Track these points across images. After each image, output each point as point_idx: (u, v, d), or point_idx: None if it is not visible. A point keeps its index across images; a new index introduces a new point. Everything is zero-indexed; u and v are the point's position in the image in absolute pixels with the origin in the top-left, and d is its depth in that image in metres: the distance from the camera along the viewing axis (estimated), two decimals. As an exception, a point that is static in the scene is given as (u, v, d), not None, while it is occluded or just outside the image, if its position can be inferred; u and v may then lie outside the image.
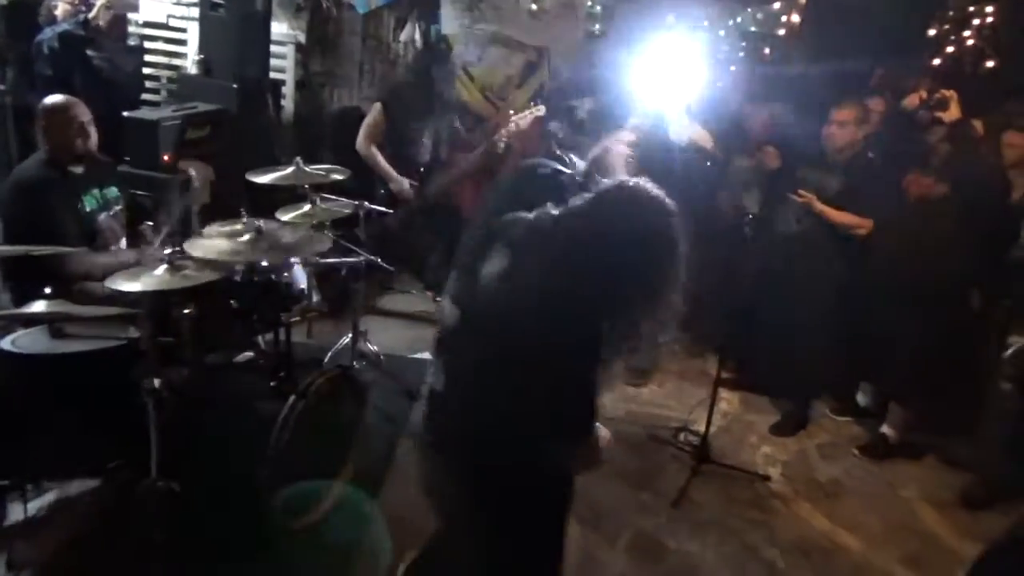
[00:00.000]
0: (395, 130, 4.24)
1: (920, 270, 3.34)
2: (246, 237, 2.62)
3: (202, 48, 4.64)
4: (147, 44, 5.09)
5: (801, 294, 3.63)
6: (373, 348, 3.72)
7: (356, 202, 3.36)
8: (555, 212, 1.59)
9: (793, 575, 2.84)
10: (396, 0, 5.50)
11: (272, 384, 2.72)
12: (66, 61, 4.44)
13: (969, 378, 3.40)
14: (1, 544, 2.40)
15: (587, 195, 1.59)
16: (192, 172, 3.81)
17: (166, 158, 3.89)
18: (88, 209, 3.01)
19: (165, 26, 5.06)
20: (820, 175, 3.57)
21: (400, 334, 4.14)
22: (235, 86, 4.40)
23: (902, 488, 3.42)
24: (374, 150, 4.25)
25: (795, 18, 5.66)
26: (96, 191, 3.07)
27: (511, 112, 5.58)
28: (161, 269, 2.32)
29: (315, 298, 2.98)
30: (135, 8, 5.06)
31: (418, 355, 3.78)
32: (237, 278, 2.69)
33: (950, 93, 3.41)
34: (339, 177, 3.24)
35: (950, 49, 5.62)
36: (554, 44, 5.55)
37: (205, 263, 2.46)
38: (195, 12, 4.71)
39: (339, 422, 2.78)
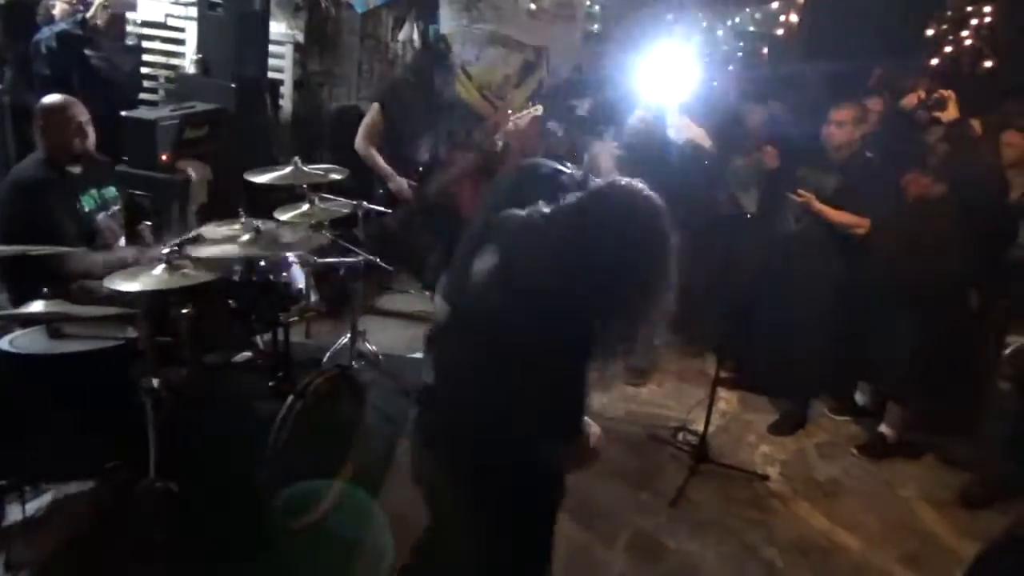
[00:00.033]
0: (393, 130, 4.24)
1: (918, 270, 3.34)
2: (244, 237, 2.62)
3: (200, 48, 4.63)
4: (145, 44, 5.09)
5: (799, 293, 3.63)
6: (372, 348, 3.72)
7: (355, 202, 3.36)
8: (546, 210, 1.59)
9: (792, 574, 2.84)
10: (394, 0, 5.50)
11: (270, 384, 2.72)
12: (64, 61, 4.43)
13: (967, 378, 3.41)
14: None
15: (579, 194, 1.60)
16: (190, 172, 3.81)
17: (164, 158, 3.89)
18: (86, 209, 3.00)
19: (163, 25, 5.06)
20: (819, 175, 3.57)
21: (399, 334, 4.14)
22: (233, 86, 4.40)
23: (900, 487, 3.42)
24: (372, 150, 4.24)
25: (793, 18, 5.66)
26: (94, 191, 3.06)
27: (509, 111, 5.60)
28: (159, 269, 2.32)
29: (313, 298, 2.98)
30: (133, 7, 5.05)
31: (417, 355, 3.78)
32: (235, 278, 2.69)
33: (948, 93, 3.41)
34: (337, 177, 3.24)
35: (948, 49, 5.63)
36: (552, 44, 5.55)
37: (203, 262, 2.46)
38: (193, 12, 4.71)
39: (338, 422, 2.78)
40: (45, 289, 2.35)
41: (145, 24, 5.08)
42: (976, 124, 3.42)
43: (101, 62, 4.67)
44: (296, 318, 3.00)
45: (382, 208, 4.14)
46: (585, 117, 4.65)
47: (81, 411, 2.31)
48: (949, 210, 3.30)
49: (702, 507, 3.13)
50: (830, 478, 3.45)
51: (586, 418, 1.71)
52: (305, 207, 3.04)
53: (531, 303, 1.54)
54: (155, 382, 2.27)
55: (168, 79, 5.02)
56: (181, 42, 5.03)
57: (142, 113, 4.13)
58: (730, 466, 3.37)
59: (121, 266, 2.43)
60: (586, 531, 2.89)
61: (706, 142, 3.77)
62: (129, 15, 5.08)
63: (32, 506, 2.49)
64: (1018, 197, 3.27)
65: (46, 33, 4.48)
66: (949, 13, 5.71)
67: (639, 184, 1.59)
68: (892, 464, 3.56)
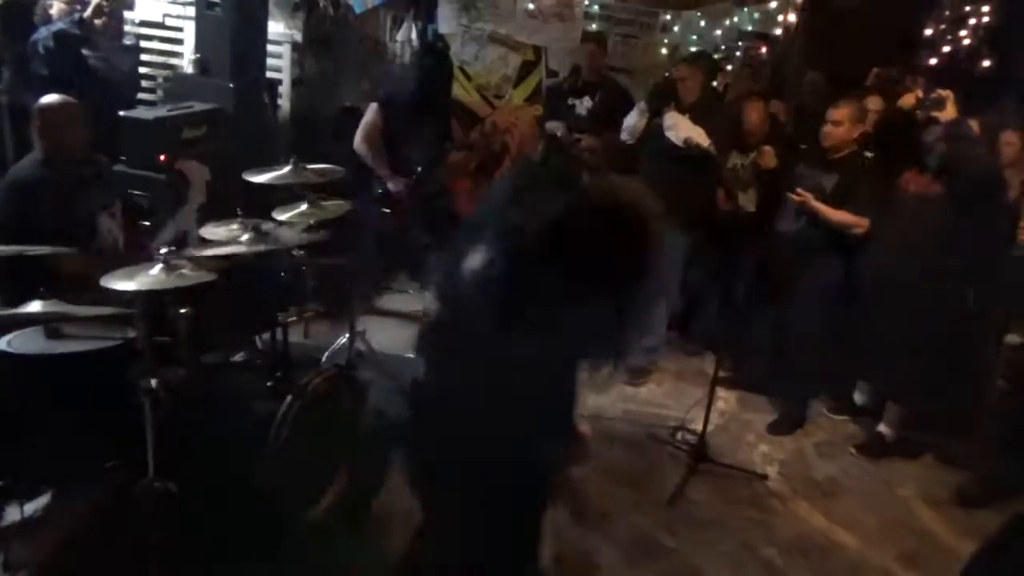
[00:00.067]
0: (392, 130, 4.24)
1: (917, 269, 3.34)
2: (243, 236, 2.61)
3: (198, 47, 4.62)
4: (143, 43, 5.07)
5: (798, 292, 3.63)
6: (370, 347, 3.72)
7: (353, 202, 3.35)
8: (538, 208, 1.60)
9: (791, 573, 2.85)
10: (393, 0, 5.50)
11: (269, 384, 2.71)
12: (61, 61, 4.42)
13: (966, 377, 3.41)
14: (-3, 545, 2.40)
15: (570, 192, 1.60)
16: (188, 172, 3.80)
17: (162, 158, 3.88)
18: (84, 209, 3.00)
19: (161, 25, 5.04)
20: (817, 174, 3.58)
21: (397, 333, 4.13)
22: (231, 85, 4.39)
23: (899, 486, 3.42)
24: (371, 150, 4.24)
25: (791, 17, 5.66)
26: (92, 191, 3.05)
27: (508, 111, 5.61)
28: (157, 268, 2.32)
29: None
30: (130, 7, 5.05)
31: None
32: (234, 278, 2.69)
33: (946, 92, 3.41)
34: (336, 177, 3.23)
35: (947, 48, 5.63)
36: (551, 43, 5.55)
37: (201, 262, 2.45)
38: (191, 11, 4.70)
39: (336, 422, 2.77)
40: (42, 289, 2.35)
41: (143, 24, 5.06)
42: (974, 123, 3.42)
43: (99, 62, 4.66)
44: (295, 318, 3.00)
45: (380, 208, 4.15)
46: (584, 116, 4.65)
47: (79, 411, 2.30)
48: (947, 209, 3.31)
49: (701, 506, 3.13)
50: (829, 477, 3.45)
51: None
52: (303, 207, 3.04)
53: (520, 301, 1.54)
54: (153, 382, 2.27)
55: (166, 79, 5.01)
56: (179, 42, 5.02)
57: (140, 113, 4.11)
58: (729, 465, 3.37)
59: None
60: (584, 530, 2.89)
61: (705, 141, 3.77)
62: (127, 15, 5.06)
63: (30, 507, 2.48)
64: (1016, 196, 3.28)
65: (43, 33, 4.47)
66: (947, 12, 5.71)
67: (631, 182, 1.60)
68: (890, 463, 3.56)
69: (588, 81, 4.72)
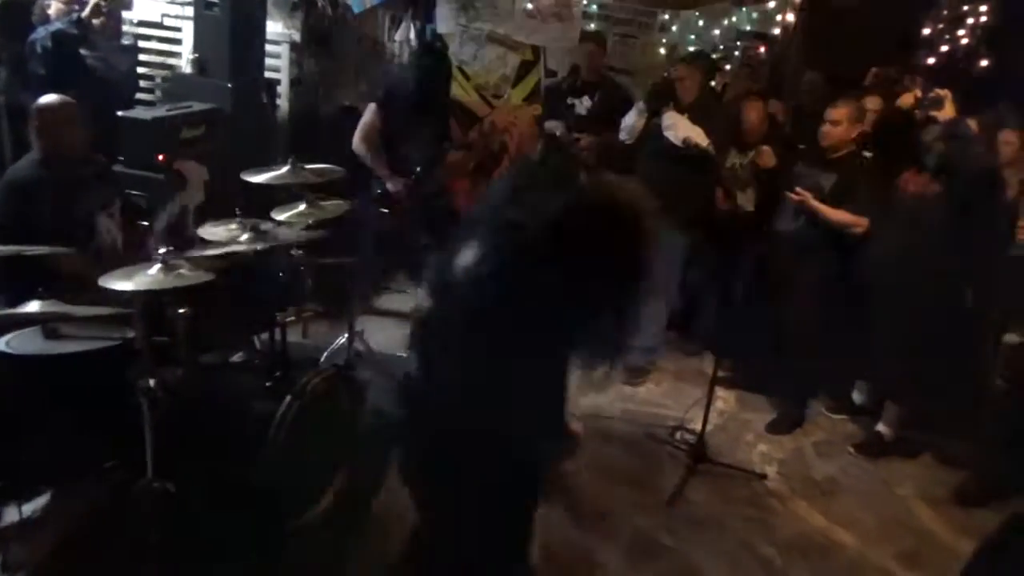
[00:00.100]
0: (391, 130, 4.23)
1: (915, 268, 3.35)
2: (242, 236, 2.60)
3: (197, 47, 4.62)
4: (141, 43, 5.07)
5: (797, 292, 3.63)
6: (369, 347, 3.72)
7: (351, 201, 3.35)
8: (532, 205, 1.60)
9: (790, 572, 2.85)
10: (391, -1, 5.50)
11: (268, 384, 2.71)
12: (59, 60, 4.41)
13: (964, 376, 3.41)
14: (-4, 546, 2.39)
15: (564, 190, 1.60)
16: (187, 172, 3.80)
17: (161, 158, 3.87)
18: (82, 210, 3.00)
19: (159, 25, 5.04)
20: (815, 173, 3.58)
21: (396, 334, 4.12)
22: (230, 85, 4.39)
23: (898, 486, 3.43)
24: (370, 150, 4.24)
25: (790, 17, 5.66)
26: (90, 191, 3.05)
27: (507, 111, 5.61)
28: (155, 269, 2.31)
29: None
30: (128, 6, 5.04)
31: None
32: (232, 278, 2.69)
33: (945, 92, 3.41)
34: (334, 176, 3.23)
35: (945, 48, 5.63)
36: (550, 43, 5.55)
37: (200, 262, 2.45)
38: (190, 11, 4.69)
39: (335, 422, 2.77)
40: (41, 289, 2.35)
41: (141, 24, 5.06)
42: (973, 123, 3.43)
43: (97, 62, 4.65)
44: (293, 318, 3.00)
45: (379, 208, 4.15)
46: (584, 115, 4.65)
47: (78, 412, 2.30)
48: (945, 209, 3.31)
49: (700, 506, 3.13)
50: (827, 477, 3.45)
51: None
52: (302, 207, 3.04)
53: (511, 298, 1.54)
54: (152, 382, 2.27)
55: (164, 79, 5.01)
56: (177, 42, 5.01)
57: (138, 113, 4.11)
58: (728, 465, 3.37)
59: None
60: (584, 530, 2.90)
61: (703, 141, 3.77)
62: (125, 15, 5.06)
63: (29, 507, 2.48)
64: (1014, 195, 3.28)
65: (41, 33, 4.46)
66: (945, 12, 5.72)
67: (624, 180, 1.60)
68: (889, 462, 3.57)
69: (587, 81, 4.72)
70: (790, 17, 5.65)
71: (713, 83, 4.91)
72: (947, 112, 3.34)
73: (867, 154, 3.66)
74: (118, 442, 2.40)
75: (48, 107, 2.97)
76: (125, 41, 5.09)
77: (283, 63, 5.16)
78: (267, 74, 4.93)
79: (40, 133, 2.96)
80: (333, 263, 3.24)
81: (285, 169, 3.03)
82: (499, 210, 1.65)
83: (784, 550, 2.94)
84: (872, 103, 4.08)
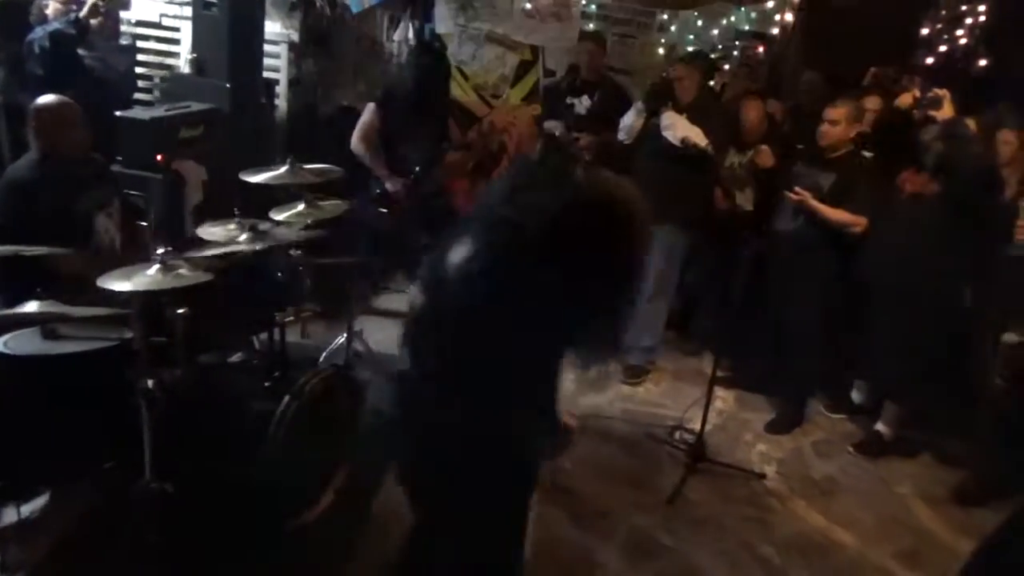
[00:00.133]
0: (389, 130, 4.23)
1: (914, 267, 3.35)
2: (240, 236, 2.60)
3: (195, 47, 4.61)
4: (140, 43, 5.07)
5: (796, 292, 3.64)
6: (368, 347, 3.71)
7: (350, 201, 3.35)
8: (522, 203, 1.60)
9: (789, 572, 2.85)
10: (390, -1, 5.49)
11: (266, 384, 2.71)
12: (57, 61, 4.41)
13: (963, 375, 3.42)
14: (-6, 546, 2.39)
15: (555, 187, 1.60)
16: (185, 172, 3.79)
17: (159, 158, 3.87)
18: (81, 210, 2.99)
19: (158, 25, 5.04)
20: (814, 173, 3.58)
21: (395, 333, 4.10)
22: (228, 85, 4.39)
23: (897, 485, 3.43)
24: (369, 150, 4.24)
25: (788, 17, 5.66)
26: (89, 191, 3.05)
27: (505, 111, 5.60)
28: (153, 269, 2.31)
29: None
30: (126, 6, 5.04)
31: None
32: (231, 278, 2.68)
33: (943, 92, 3.41)
34: (333, 176, 3.23)
35: (943, 48, 5.63)
36: (548, 43, 5.55)
37: (198, 262, 2.45)
38: (188, 11, 4.69)
39: (334, 422, 2.77)
40: (39, 290, 2.34)
41: (139, 23, 5.06)
42: (971, 123, 3.43)
43: (95, 62, 4.65)
44: (292, 318, 2.99)
45: (378, 208, 4.15)
46: (584, 115, 4.65)
47: (76, 412, 2.30)
48: (944, 208, 3.31)
49: (699, 506, 3.13)
50: (827, 476, 3.46)
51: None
52: (301, 207, 3.03)
53: (502, 295, 1.55)
54: (150, 383, 2.27)
55: (163, 79, 5.01)
56: (176, 42, 5.01)
57: (137, 113, 4.10)
58: (727, 465, 3.37)
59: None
60: (583, 530, 2.90)
61: (702, 140, 3.77)
62: (123, 14, 5.06)
63: (27, 508, 2.47)
64: (1012, 195, 3.28)
65: (39, 33, 4.46)
66: (944, 12, 5.72)
67: (615, 177, 1.61)
68: (888, 462, 3.57)
69: (587, 80, 4.72)
70: (789, 17, 5.65)
71: (712, 83, 4.91)
72: (946, 112, 3.34)
73: (867, 154, 3.66)
74: (117, 443, 2.39)
75: (46, 107, 2.97)
76: (123, 41, 5.09)
77: (281, 63, 5.16)
78: (265, 74, 4.93)
79: (38, 133, 2.96)
80: (332, 263, 3.24)
81: (284, 169, 3.02)
82: (493, 208, 1.66)
83: (783, 549, 2.94)
84: (871, 103, 4.09)
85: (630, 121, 4.08)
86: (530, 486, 1.83)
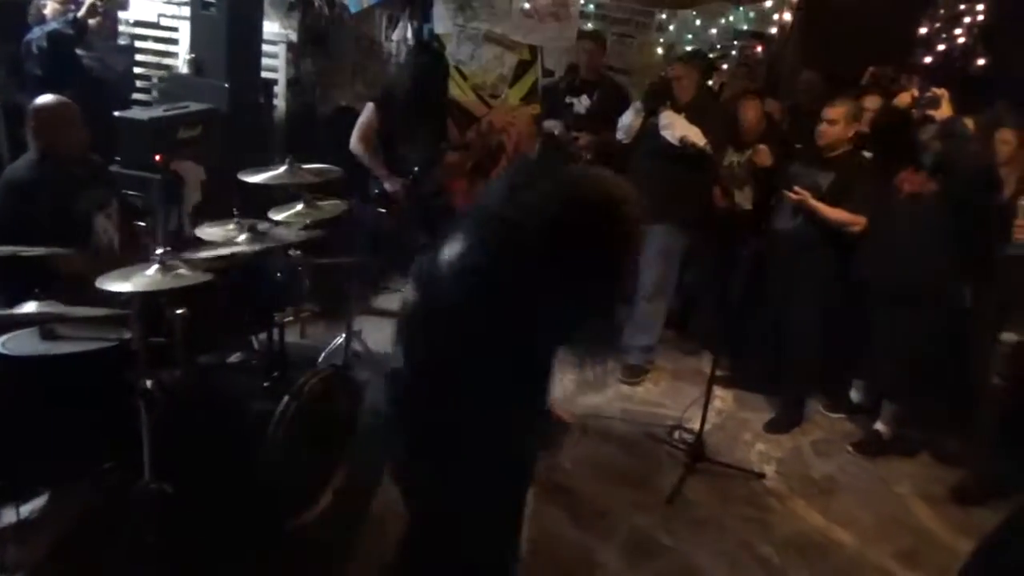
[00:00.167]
0: (388, 130, 4.23)
1: (912, 267, 3.35)
2: (239, 237, 2.60)
3: (193, 47, 4.61)
4: (138, 43, 5.07)
5: (795, 291, 3.64)
6: (367, 347, 3.71)
7: (349, 201, 3.35)
8: (516, 200, 1.60)
9: (788, 571, 2.85)
10: (388, -1, 5.49)
11: (265, 385, 2.71)
12: (56, 61, 4.41)
13: (962, 374, 3.42)
14: (-7, 547, 2.39)
15: (546, 184, 1.60)
16: (184, 172, 3.79)
17: (157, 158, 3.87)
18: (80, 210, 2.99)
19: (156, 25, 5.04)
20: (813, 172, 3.58)
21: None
22: (227, 85, 4.38)
23: (896, 484, 3.43)
24: (368, 150, 4.23)
25: (787, 16, 5.66)
26: (87, 192, 3.04)
27: (504, 111, 5.60)
28: (152, 269, 2.31)
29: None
30: (125, 7, 5.03)
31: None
32: (230, 278, 2.68)
33: (941, 91, 3.41)
34: (332, 176, 3.23)
35: (942, 47, 5.64)
36: (547, 43, 5.55)
37: (197, 263, 2.45)
38: (186, 11, 4.69)
39: (333, 422, 2.77)
40: (37, 290, 2.34)
41: (138, 24, 5.06)
42: (969, 122, 3.43)
43: (93, 62, 4.65)
44: (291, 318, 2.99)
45: (377, 208, 4.14)
46: (583, 115, 4.65)
47: (75, 413, 2.29)
48: (942, 208, 3.31)
49: (698, 505, 3.13)
50: (826, 475, 3.46)
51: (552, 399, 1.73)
52: (299, 207, 3.03)
53: (493, 292, 1.55)
54: (149, 383, 2.26)
55: (161, 79, 5.00)
56: (174, 42, 5.01)
57: (135, 113, 4.10)
58: (726, 464, 3.37)
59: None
60: (583, 529, 2.90)
61: (700, 140, 3.77)
62: (122, 15, 5.05)
63: (26, 508, 2.47)
64: (1010, 194, 3.29)
65: (37, 33, 4.46)
66: (942, 11, 5.72)
67: (606, 174, 1.61)
68: (887, 461, 3.57)
69: (586, 80, 4.72)
70: (787, 16, 5.65)
71: (710, 82, 4.92)
72: (944, 111, 3.34)
73: (866, 153, 3.67)
74: (115, 443, 2.39)
75: (45, 107, 2.97)
76: (121, 41, 5.09)
77: (280, 63, 5.16)
78: (264, 74, 4.93)
79: (37, 133, 2.96)
80: (331, 263, 3.24)
81: (282, 169, 3.02)
82: (486, 206, 1.66)
83: (782, 549, 2.94)
84: (870, 102, 4.09)
85: (628, 120, 4.08)
86: (524, 482, 1.83)
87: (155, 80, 5.04)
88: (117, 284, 2.25)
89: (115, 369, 2.36)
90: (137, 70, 5.03)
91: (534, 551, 2.16)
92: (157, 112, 4.09)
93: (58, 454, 2.34)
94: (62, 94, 3.10)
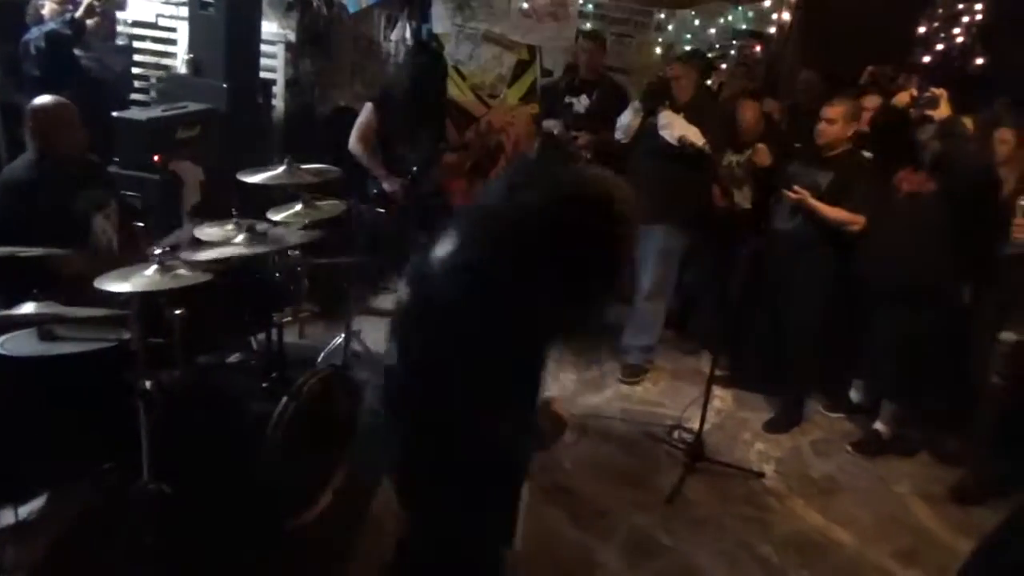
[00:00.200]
0: (387, 130, 4.23)
1: (911, 266, 3.35)
2: (238, 237, 2.59)
3: (192, 47, 4.61)
4: (136, 43, 5.06)
5: (794, 291, 3.64)
6: (366, 348, 3.71)
7: (348, 202, 3.34)
8: (513, 199, 1.60)
9: (787, 571, 2.85)
10: (387, -1, 5.49)
11: (264, 385, 2.70)
12: (54, 61, 4.40)
13: (961, 374, 3.42)
14: (-8, 548, 2.38)
15: (539, 183, 1.60)
16: (182, 172, 3.79)
17: (156, 158, 3.86)
18: (78, 210, 2.98)
19: (154, 25, 5.03)
20: (812, 172, 3.58)
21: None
22: (225, 86, 4.38)
23: (895, 484, 3.43)
24: (366, 150, 4.23)
25: (786, 16, 5.67)
26: (86, 192, 3.04)
27: (503, 111, 5.60)
28: (151, 270, 2.31)
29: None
30: (123, 7, 5.03)
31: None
32: (229, 279, 2.68)
33: (940, 91, 3.42)
34: (330, 177, 3.23)
35: (940, 46, 5.65)
36: (546, 42, 5.55)
37: (196, 263, 2.45)
38: (184, 11, 4.69)
39: (332, 422, 2.77)
40: (35, 291, 2.34)
41: (136, 24, 5.05)
42: (968, 121, 3.44)
43: (92, 62, 4.64)
44: (290, 318, 2.99)
45: (376, 208, 4.14)
46: (582, 114, 4.65)
47: (74, 413, 2.29)
48: (942, 207, 3.32)
49: (698, 505, 3.13)
50: (825, 475, 3.46)
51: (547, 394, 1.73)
52: (298, 207, 3.03)
53: (486, 289, 1.55)
54: (148, 384, 2.26)
55: (159, 79, 5.00)
56: (172, 42, 5.01)
57: (133, 113, 4.10)
58: (726, 464, 3.37)
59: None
60: (582, 529, 2.90)
61: (699, 139, 3.77)
62: (120, 15, 5.05)
63: (25, 509, 2.47)
64: (1009, 193, 3.29)
65: (35, 33, 4.45)
66: (940, 11, 5.73)
67: (601, 172, 1.61)
68: (886, 461, 3.57)
69: (585, 79, 4.72)
70: (786, 16, 5.65)
71: (709, 82, 4.91)
72: (943, 111, 3.34)
73: (866, 154, 3.67)
74: (114, 444, 2.39)
75: (43, 108, 2.96)
76: (119, 41, 5.08)
77: (279, 63, 5.16)
78: (263, 74, 4.93)
79: (35, 134, 2.95)
80: (330, 263, 3.24)
81: (281, 169, 3.02)
82: (481, 204, 1.66)
83: (782, 548, 2.94)
84: (869, 102, 4.09)
85: (627, 120, 4.08)
86: (518, 479, 1.83)
87: (153, 80, 5.03)
88: (116, 284, 2.24)
89: (114, 369, 2.36)
90: (135, 70, 5.03)
91: (534, 551, 2.16)
92: (155, 112, 4.09)
93: (57, 454, 2.34)
94: (60, 94, 3.09)
